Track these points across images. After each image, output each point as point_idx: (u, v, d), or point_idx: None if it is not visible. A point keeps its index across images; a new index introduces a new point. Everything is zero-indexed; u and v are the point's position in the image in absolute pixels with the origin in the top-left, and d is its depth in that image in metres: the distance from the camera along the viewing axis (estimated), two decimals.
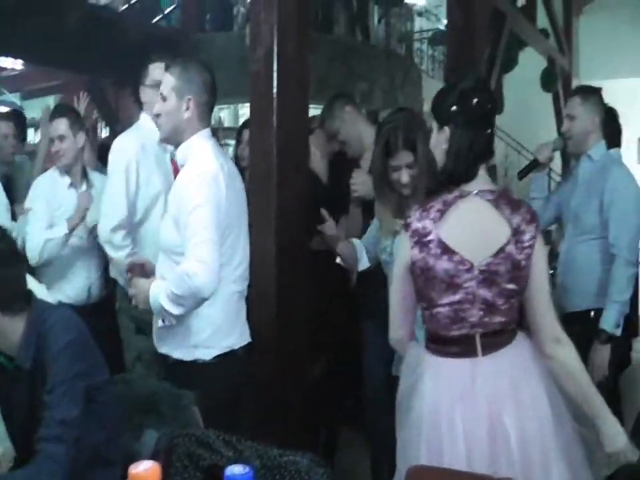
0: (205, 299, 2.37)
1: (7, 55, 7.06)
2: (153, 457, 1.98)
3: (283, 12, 3.03)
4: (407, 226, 2.07)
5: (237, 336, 2.57)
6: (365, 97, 8.16)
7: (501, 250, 2.00)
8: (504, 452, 1.95)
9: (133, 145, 3.18)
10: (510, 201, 2.06)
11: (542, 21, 9.21)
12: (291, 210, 3.12)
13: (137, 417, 2.23)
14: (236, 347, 2.55)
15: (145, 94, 3.26)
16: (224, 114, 10.09)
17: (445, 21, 6.52)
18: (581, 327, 3.10)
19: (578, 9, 10.99)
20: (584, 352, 3.00)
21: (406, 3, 9.64)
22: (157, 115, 2.54)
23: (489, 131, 2.09)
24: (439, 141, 2.09)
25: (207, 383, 2.43)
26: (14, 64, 7.36)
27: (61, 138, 3.48)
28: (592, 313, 3.12)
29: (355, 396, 3.73)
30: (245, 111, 8.62)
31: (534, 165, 3.48)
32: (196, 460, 1.79)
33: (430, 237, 2.02)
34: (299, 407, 3.18)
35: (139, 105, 3.39)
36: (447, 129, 2.05)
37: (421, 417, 2.03)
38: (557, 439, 1.99)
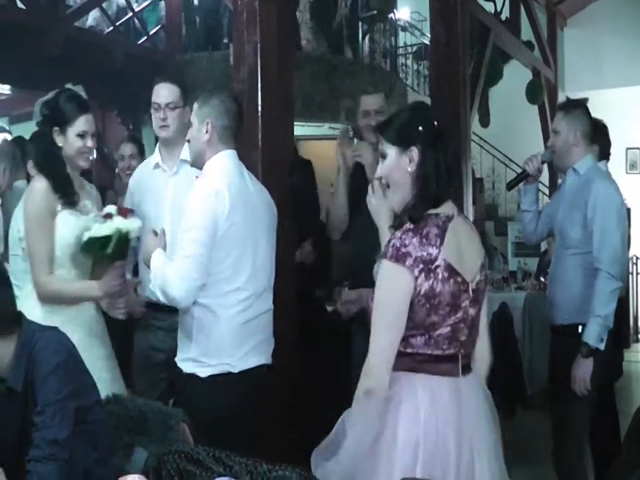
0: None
1: None
2: (142, 474, 1.99)
3: (266, 31, 3.07)
4: (402, 257, 1.97)
5: (240, 356, 2.56)
6: (350, 114, 8.21)
7: (482, 266, 2.09)
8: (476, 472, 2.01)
9: None
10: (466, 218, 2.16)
11: (526, 33, 9.29)
12: (278, 227, 3.14)
13: (126, 436, 2.24)
14: (235, 370, 2.55)
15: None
16: None
17: (430, 36, 6.59)
18: (566, 340, 3.14)
19: (562, 20, 11.09)
20: (569, 365, 3.04)
21: (390, 18, 9.70)
22: (188, 141, 2.70)
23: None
24: (402, 163, 2.05)
25: (197, 399, 2.48)
26: (1, 89, 7.38)
27: None
28: (580, 328, 3.10)
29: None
30: None
31: (523, 176, 3.48)
32: (186, 476, 1.80)
33: (437, 263, 1.97)
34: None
35: (126, 127, 3.42)
36: (414, 150, 2.03)
37: (413, 439, 1.96)
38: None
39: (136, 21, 7.86)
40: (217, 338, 2.53)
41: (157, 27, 8.08)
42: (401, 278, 1.97)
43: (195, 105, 2.66)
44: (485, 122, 8.96)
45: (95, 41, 7.16)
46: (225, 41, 8.03)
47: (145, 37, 7.80)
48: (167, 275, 2.47)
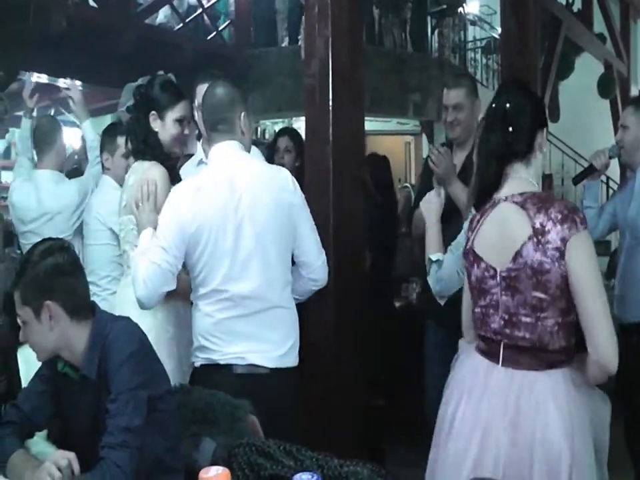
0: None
1: (66, 77, 7.24)
2: (212, 465, 2.00)
3: (337, 25, 3.05)
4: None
5: (226, 352, 2.49)
6: (419, 108, 8.14)
7: (518, 254, 1.95)
8: (489, 463, 1.96)
9: None
10: (541, 200, 1.97)
11: (598, 25, 9.05)
12: (347, 225, 3.13)
13: (193, 427, 2.26)
14: (222, 362, 2.49)
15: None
16: (278, 128, 10.19)
17: (499, 29, 6.47)
18: (638, 339, 3.04)
19: (635, 12, 10.76)
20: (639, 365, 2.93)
21: (459, 13, 9.59)
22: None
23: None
24: None
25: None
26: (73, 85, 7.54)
27: None
28: None
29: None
30: (298, 124, 8.68)
31: (590, 171, 3.40)
32: (257, 469, 1.81)
33: (467, 247, 2.15)
34: (350, 429, 3.17)
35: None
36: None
37: (445, 401, 2.19)
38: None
39: (205, 17, 7.93)
40: (201, 333, 2.52)
41: (227, 23, 8.14)
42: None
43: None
44: (554, 116, 8.76)
45: (165, 38, 7.26)
46: (286, 36, 8.08)
47: (214, 33, 7.87)
48: (136, 273, 2.46)
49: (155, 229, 2.53)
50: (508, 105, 2.09)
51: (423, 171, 3.46)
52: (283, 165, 3.65)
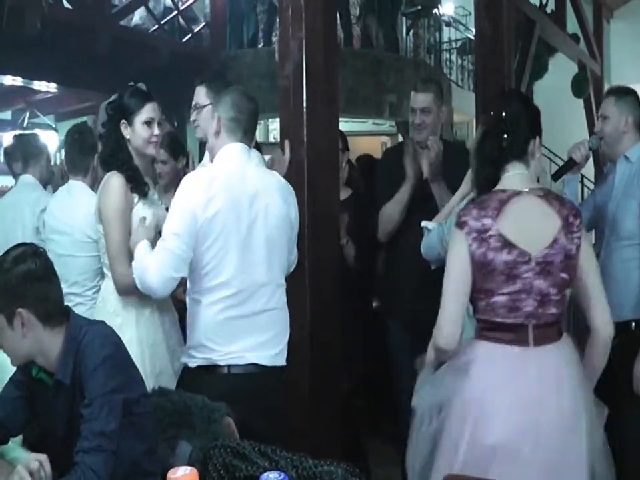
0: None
1: (40, 79, 7.20)
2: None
3: (311, 27, 3.06)
4: (461, 224, 2.20)
5: (226, 353, 2.51)
6: (395, 109, 8.16)
7: (555, 241, 2.17)
8: (542, 441, 2.06)
9: None
10: (557, 197, 2.28)
11: (572, 25, 9.14)
12: (323, 226, 3.14)
13: (170, 429, 2.26)
14: (221, 363, 2.52)
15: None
16: None
17: (474, 30, 6.51)
18: (620, 339, 3.04)
19: (608, 13, 10.89)
20: (621, 364, 2.93)
21: (434, 14, 9.64)
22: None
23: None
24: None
25: (188, 390, 2.48)
26: (48, 87, 7.50)
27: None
28: (633, 325, 3.02)
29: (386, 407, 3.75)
30: (275, 126, 8.69)
31: (569, 165, 3.33)
32: (232, 470, 1.81)
33: (490, 232, 2.16)
34: (331, 422, 3.19)
35: (171, 124, 3.46)
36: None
37: (468, 401, 2.14)
38: (588, 442, 2.11)
39: (181, 19, 7.91)
40: (202, 332, 2.52)
41: (201, 25, 8.13)
42: (461, 243, 2.20)
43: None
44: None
45: (140, 39, 7.23)
46: (262, 37, 8.08)
47: (190, 35, 7.86)
48: (147, 265, 2.50)
49: (151, 242, 2.60)
50: (504, 113, 2.28)
51: (382, 168, 3.53)
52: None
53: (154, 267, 2.48)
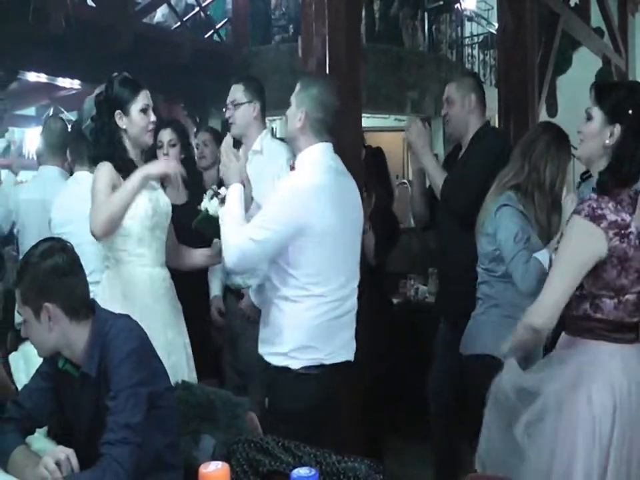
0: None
1: (64, 76, 7.26)
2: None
3: (334, 24, 3.06)
4: (597, 218, 2.09)
5: (328, 352, 2.58)
6: (416, 105, 8.14)
7: None
8: None
9: None
10: None
11: (596, 19, 9.04)
12: None
13: (193, 423, 2.27)
14: (327, 362, 2.57)
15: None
16: (276, 125, 10.21)
17: (496, 25, 6.46)
18: None
19: (633, 6, 10.74)
20: None
21: (456, 9, 9.58)
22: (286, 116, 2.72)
23: None
24: (603, 134, 2.17)
25: (288, 392, 2.54)
26: (72, 83, 7.57)
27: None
28: None
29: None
30: None
31: None
32: (255, 465, 1.82)
33: (630, 229, 2.10)
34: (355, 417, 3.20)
35: (192, 120, 3.49)
36: (617, 127, 2.14)
37: (614, 408, 2.07)
38: None
39: (202, 15, 7.94)
40: (306, 335, 2.55)
41: (224, 21, 8.15)
42: (593, 237, 2.10)
43: (297, 86, 2.68)
44: (552, 111, 8.77)
45: (162, 36, 7.28)
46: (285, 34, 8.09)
47: (212, 31, 7.88)
48: (229, 244, 2.52)
49: (243, 183, 2.61)
50: None
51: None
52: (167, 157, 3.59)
53: (236, 250, 2.50)
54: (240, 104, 3.16)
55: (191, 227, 2.84)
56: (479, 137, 3.34)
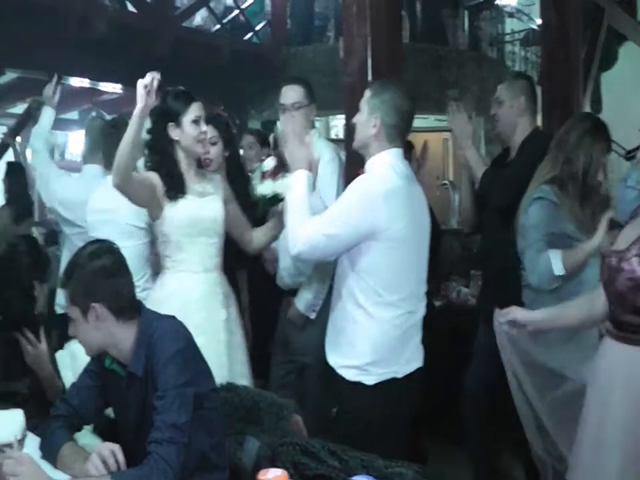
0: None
1: (106, 80, 7.36)
2: (256, 464, 2.02)
3: (376, 24, 3.05)
4: None
5: (403, 362, 2.58)
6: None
7: None
8: None
9: None
10: None
11: None
12: None
13: (238, 424, 2.28)
14: (399, 376, 2.56)
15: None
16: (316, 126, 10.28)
17: (538, 21, 6.37)
18: None
19: None
20: None
21: (496, 5, 9.48)
22: (353, 124, 2.69)
23: None
24: None
25: (362, 405, 2.52)
26: (113, 88, 7.67)
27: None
28: None
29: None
30: (336, 122, 8.67)
31: None
32: (301, 469, 1.81)
33: None
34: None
35: (232, 121, 3.50)
36: None
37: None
38: None
39: (242, 17, 7.98)
40: (382, 347, 2.54)
41: (263, 23, 8.18)
42: None
43: (367, 92, 2.65)
44: (596, 108, 8.61)
45: (202, 39, 7.34)
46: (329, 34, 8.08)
47: (251, 33, 7.91)
48: (299, 234, 2.50)
49: (309, 169, 2.60)
50: None
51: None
52: (209, 157, 3.52)
53: (305, 240, 2.49)
54: (302, 106, 3.16)
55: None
56: (528, 142, 3.28)
